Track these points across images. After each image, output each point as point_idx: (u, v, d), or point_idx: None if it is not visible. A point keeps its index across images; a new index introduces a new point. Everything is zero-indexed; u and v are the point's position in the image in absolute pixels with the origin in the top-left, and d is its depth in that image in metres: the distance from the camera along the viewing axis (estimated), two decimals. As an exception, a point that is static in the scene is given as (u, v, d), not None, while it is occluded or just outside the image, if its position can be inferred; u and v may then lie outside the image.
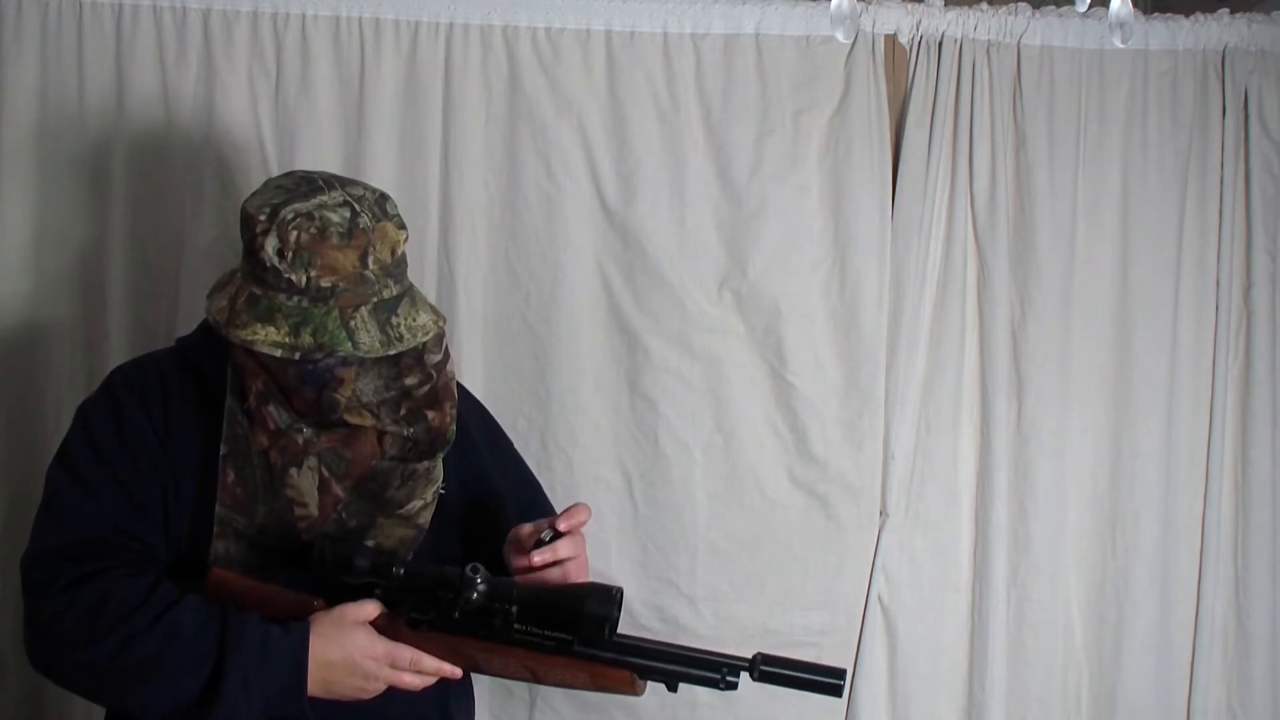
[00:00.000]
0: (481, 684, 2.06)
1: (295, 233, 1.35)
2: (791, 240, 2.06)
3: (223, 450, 1.42)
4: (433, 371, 1.45)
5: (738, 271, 2.06)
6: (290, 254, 1.35)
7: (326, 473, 1.42)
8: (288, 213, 1.36)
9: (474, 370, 2.02)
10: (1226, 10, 2.11)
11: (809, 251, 2.07)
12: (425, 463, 1.46)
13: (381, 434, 1.43)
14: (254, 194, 1.43)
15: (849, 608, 2.10)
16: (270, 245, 1.36)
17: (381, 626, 1.40)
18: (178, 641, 1.34)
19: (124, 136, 1.97)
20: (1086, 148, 2.09)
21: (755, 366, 2.07)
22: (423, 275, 2.02)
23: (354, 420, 1.40)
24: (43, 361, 1.99)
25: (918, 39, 2.08)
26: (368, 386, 1.40)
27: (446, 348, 1.50)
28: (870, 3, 2.06)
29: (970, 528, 2.12)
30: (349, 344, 1.35)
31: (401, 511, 1.47)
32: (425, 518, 1.50)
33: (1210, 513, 2.12)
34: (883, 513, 2.10)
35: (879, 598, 2.10)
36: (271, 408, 1.41)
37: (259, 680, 1.34)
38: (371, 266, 1.38)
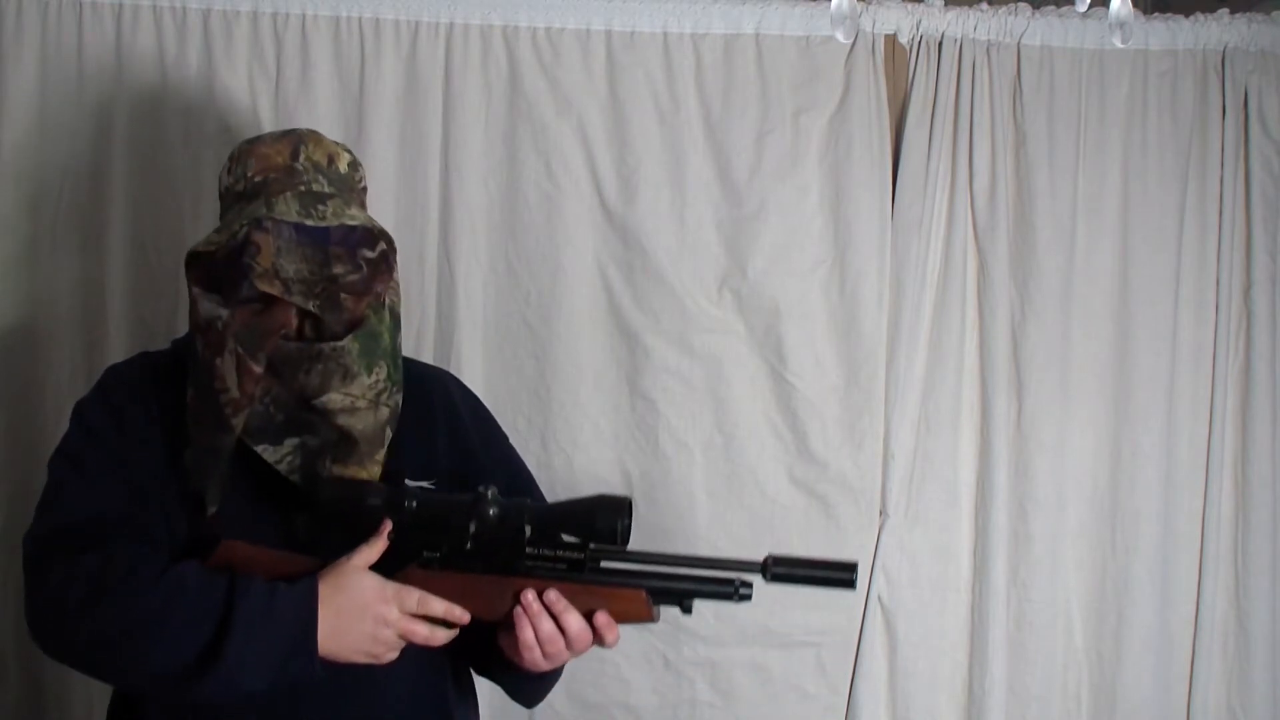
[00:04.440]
0: (481, 683, 2.06)
1: (237, 149, 1.50)
2: (791, 240, 2.06)
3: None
4: (362, 263, 1.44)
5: (738, 271, 2.06)
6: (234, 164, 1.48)
7: (241, 350, 1.41)
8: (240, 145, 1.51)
9: (474, 370, 2.02)
10: (1226, 10, 2.11)
11: (809, 251, 2.07)
12: (331, 344, 1.42)
13: (301, 317, 1.43)
14: None
15: (849, 608, 2.09)
16: (223, 169, 1.50)
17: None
18: (183, 596, 1.32)
19: (124, 136, 1.97)
20: (1086, 148, 2.09)
21: (755, 366, 2.07)
22: (423, 275, 2.02)
23: (263, 286, 1.40)
24: (43, 361, 1.99)
25: (918, 39, 2.08)
26: (289, 265, 1.41)
27: (395, 275, 1.50)
28: (870, 3, 2.06)
29: (970, 527, 2.12)
30: (264, 209, 1.40)
31: (319, 404, 1.43)
32: (353, 423, 1.45)
33: (1210, 513, 2.12)
34: (883, 513, 2.10)
35: (879, 598, 2.10)
36: (204, 304, 1.43)
37: (267, 631, 1.31)
38: (302, 160, 1.45)
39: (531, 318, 2.04)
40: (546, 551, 1.40)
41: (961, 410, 2.10)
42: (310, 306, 1.42)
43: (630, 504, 1.40)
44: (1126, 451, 2.11)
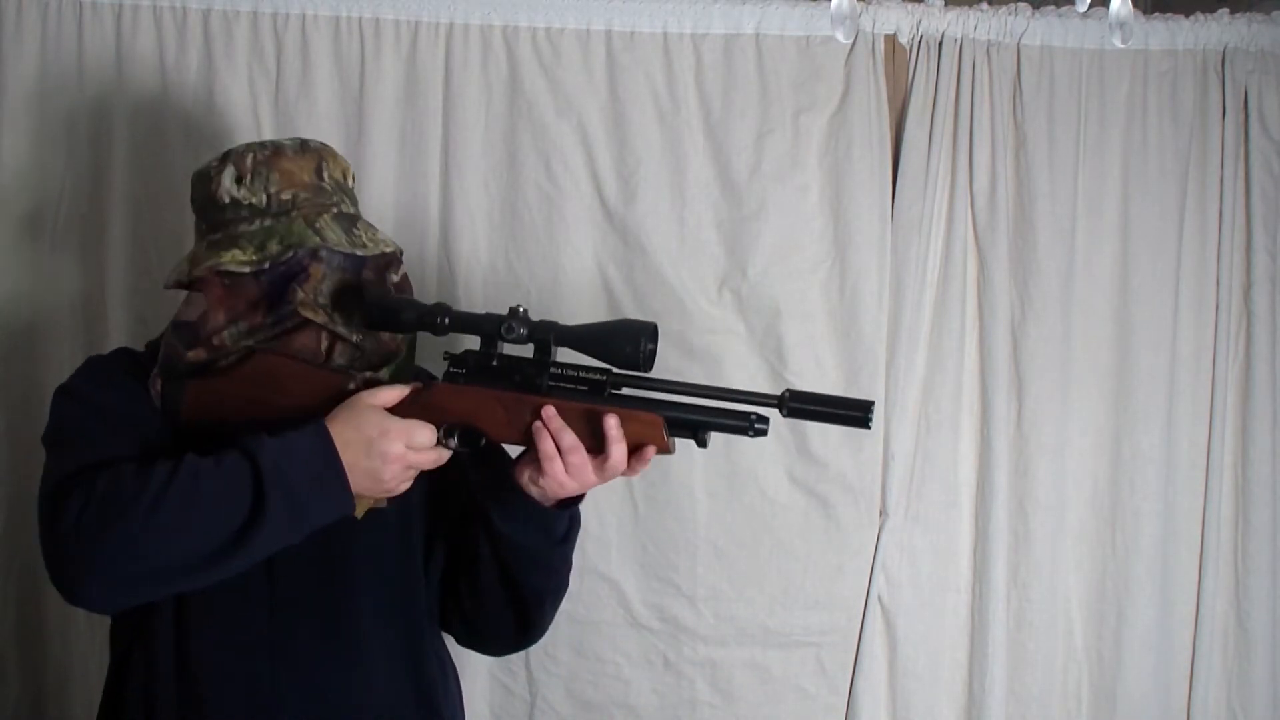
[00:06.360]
0: (479, 683, 2.06)
1: (250, 156, 1.43)
2: (791, 240, 2.06)
3: None
4: (390, 290, 1.48)
5: (738, 271, 2.06)
6: (249, 177, 1.42)
7: None
8: (239, 147, 1.44)
9: (474, 370, 2.02)
10: (1226, 10, 2.11)
11: (809, 251, 2.07)
12: (369, 373, 1.44)
13: (332, 341, 1.43)
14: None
15: (849, 608, 2.10)
16: (227, 177, 1.42)
17: (405, 408, 1.39)
18: (203, 475, 1.30)
19: (124, 137, 1.97)
20: (1086, 148, 2.09)
21: (755, 366, 2.07)
22: (423, 275, 2.02)
23: (307, 314, 1.40)
24: (43, 362, 1.99)
25: (918, 39, 2.08)
26: (327, 292, 1.43)
27: (407, 278, 1.52)
28: (870, 3, 2.06)
29: (970, 528, 2.12)
30: (317, 239, 1.40)
31: None
32: None
33: (1210, 513, 2.12)
34: (883, 513, 2.10)
35: (879, 598, 2.10)
36: (229, 330, 1.41)
37: (297, 474, 1.30)
38: (326, 179, 1.45)
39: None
40: (569, 373, 1.43)
41: (961, 410, 2.10)
42: (354, 339, 1.44)
43: (655, 329, 1.40)
44: (1126, 452, 2.11)
